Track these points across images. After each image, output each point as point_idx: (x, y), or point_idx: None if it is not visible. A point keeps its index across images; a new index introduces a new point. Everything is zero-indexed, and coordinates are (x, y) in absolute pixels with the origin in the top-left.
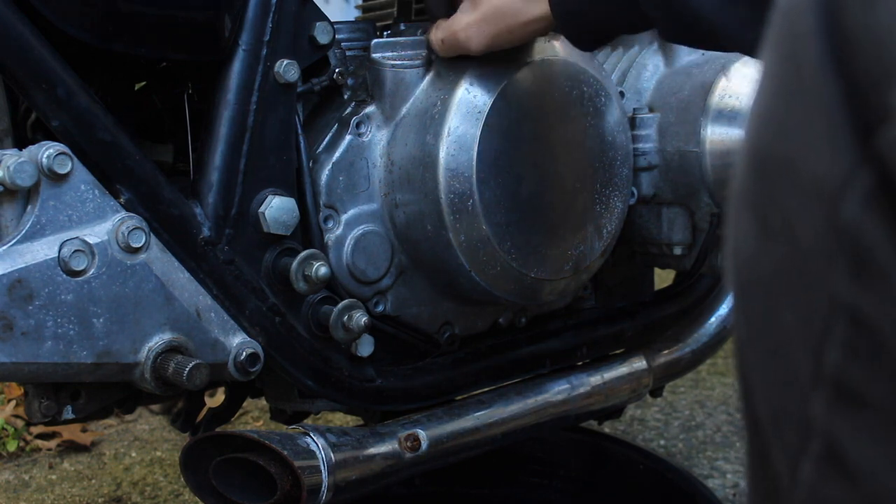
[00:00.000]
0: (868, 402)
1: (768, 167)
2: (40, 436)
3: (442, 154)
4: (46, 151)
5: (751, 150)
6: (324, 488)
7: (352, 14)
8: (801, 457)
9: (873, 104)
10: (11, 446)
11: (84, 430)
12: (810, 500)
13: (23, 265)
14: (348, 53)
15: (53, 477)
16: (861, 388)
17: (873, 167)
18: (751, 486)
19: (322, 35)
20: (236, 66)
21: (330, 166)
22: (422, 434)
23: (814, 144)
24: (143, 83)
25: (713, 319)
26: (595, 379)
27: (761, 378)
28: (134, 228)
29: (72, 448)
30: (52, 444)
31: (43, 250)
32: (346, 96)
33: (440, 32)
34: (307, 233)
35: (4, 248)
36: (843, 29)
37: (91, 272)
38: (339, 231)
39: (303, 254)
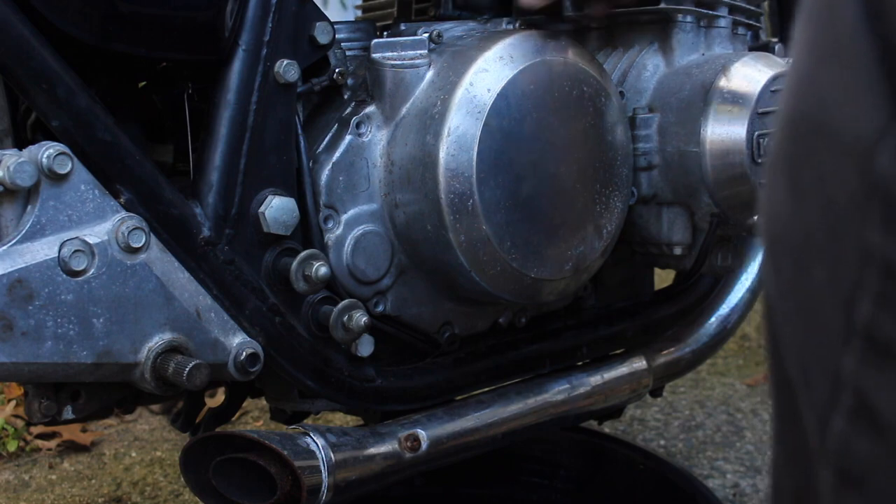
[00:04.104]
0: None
1: (804, 129)
2: (40, 436)
3: (442, 154)
4: (46, 151)
5: (787, 115)
6: (324, 488)
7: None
8: (832, 411)
9: None
10: (12, 446)
11: (84, 430)
12: (840, 454)
13: (23, 265)
14: (348, 53)
15: (53, 477)
16: (891, 339)
17: None
18: (777, 446)
19: (322, 35)
20: (236, 66)
21: (330, 166)
22: (422, 434)
23: (849, 103)
24: (143, 83)
25: (713, 319)
26: (595, 379)
27: (791, 335)
28: (134, 228)
29: (72, 448)
30: (52, 444)
31: (43, 250)
32: (346, 96)
33: None
34: (307, 233)
35: (4, 248)
36: None
37: (91, 272)
38: (339, 231)
39: (303, 254)
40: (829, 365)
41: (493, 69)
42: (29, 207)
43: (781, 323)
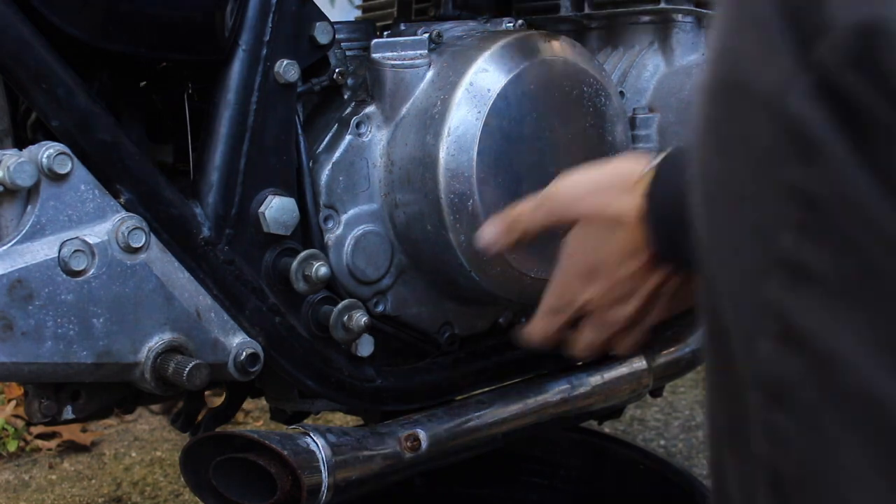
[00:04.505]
0: (815, 277)
1: (725, 92)
2: (40, 436)
3: (442, 154)
4: (46, 151)
5: (710, 82)
6: (324, 488)
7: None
8: (759, 336)
9: (808, 23)
10: (12, 446)
11: (84, 430)
12: (767, 373)
13: (23, 265)
14: (348, 53)
15: (53, 477)
16: (809, 263)
17: (813, 71)
18: (711, 393)
19: (322, 35)
20: (236, 67)
21: (330, 166)
22: (422, 434)
23: (762, 62)
24: (144, 83)
25: None
26: (595, 379)
27: (722, 273)
28: (134, 228)
29: (72, 448)
30: (52, 444)
31: (43, 250)
32: (346, 96)
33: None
34: (307, 233)
35: (4, 248)
36: None
37: (91, 272)
38: (338, 231)
39: (303, 254)
40: (755, 294)
41: (493, 69)
42: (29, 207)
43: (715, 267)
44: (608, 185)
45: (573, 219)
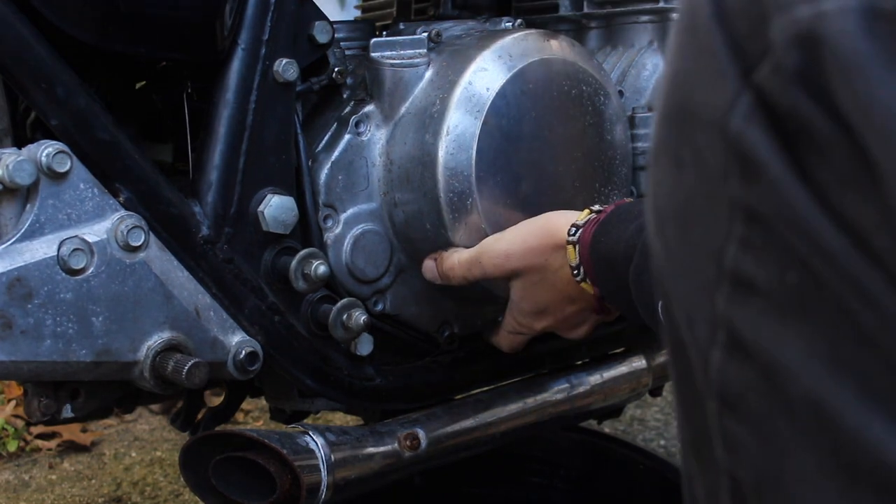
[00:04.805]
0: (757, 288)
1: (677, 115)
2: (40, 436)
3: (441, 153)
4: (45, 150)
5: (663, 107)
6: (323, 487)
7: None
8: (711, 347)
9: (751, 46)
10: (12, 446)
11: (84, 430)
12: (720, 382)
13: (22, 264)
14: (347, 53)
15: (53, 477)
16: (752, 276)
17: (752, 91)
18: (677, 406)
19: (321, 34)
20: (235, 66)
21: (329, 165)
22: (421, 433)
23: (709, 85)
24: (143, 83)
25: None
26: (594, 378)
27: (678, 291)
28: (133, 227)
29: (72, 448)
30: (52, 444)
31: (42, 249)
32: (345, 95)
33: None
34: (306, 232)
35: (4, 246)
36: None
37: (90, 271)
38: (338, 230)
39: (302, 253)
40: (706, 308)
41: (492, 68)
42: (28, 206)
43: (670, 284)
44: (538, 241)
45: (508, 274)
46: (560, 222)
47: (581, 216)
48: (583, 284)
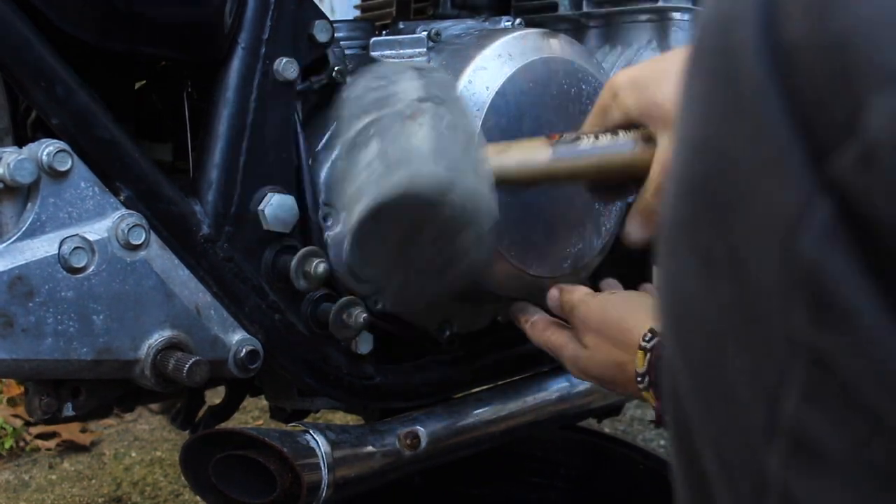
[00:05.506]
0: (827, 455)
1: (709, 195)
2: (40, 436)
3: None
4: (46, 149)
5: (687, 177)
6: (323, 485)
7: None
8: None
9: (827, 124)
10: (8, 444)
11: (84, 430)
12: None
13: (23, 262)
14: (347, 52)
15: (53, 477)
16: (820, 439)
17: (832, 195)
18: None
19: (321, 33)
20: (235, 65)
21: (329, 164)
22: (421, 432)
23: (761, 170)
24: (143, 82)
25: None
26: None
27: (708, 427)
28: (134, 226)
29: (72, 448)
30: (52, 443)
31: (43, 247)
32: None
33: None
34: (306, 230)
35: (5, 245)
36: (787, 40)
37: (91, 269)
38: (338, 228)
39: (302, 251)
40: (752, 464)
41: (492, 67)
42: (29, 205)
43: (694, 412)
44: (614, 331)
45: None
46: (642, 317)
47: None
48: (645, 393)
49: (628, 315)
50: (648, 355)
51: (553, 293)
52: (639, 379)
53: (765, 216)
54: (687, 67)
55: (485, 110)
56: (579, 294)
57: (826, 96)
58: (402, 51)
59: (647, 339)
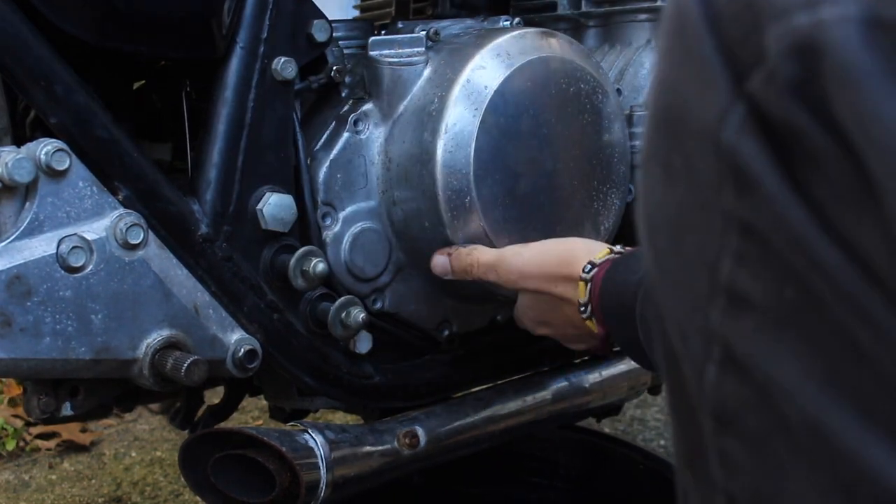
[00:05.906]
0: (753, 304)
1: (667, 122)
2: (40, 436)
3: (439, 151)
4: (45, 148)
5: (653, 112)
6: (322, 485)
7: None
8: (706, 363)
9: (745, 54)
10: (10, 445)
11: (84, 430)
12: (715, 399)
13: (21, 261)
14: (346, 51)
15: (53, 477)
16: (747, 291)
17: (745, 101)
18: (672, 418)
19: (319, 33)
20: (234, 64)
21: (328, 164)
22: (420, 431)
23: (700, 93)
24: (142, 82)
25: None
26: (593, 376)
27: (671, 304)
28: (132, 225)
29: (72, 448)
30: (52, 443)
31: (41, 247)
32: (343, 94)
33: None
34: (305, 230)
35: (3, 244)
36: (717, 2)
37: (89, 268)
38: (336, 228)
39: (301, 251)
40: (700, 322)
41: (491, 66)
42: (27, 204)
43: (663, 296)
44: (554, 269)
45: (520, 290)
46: (579, 254)
47: (601, 253)
48: (588, 322)
49: (566, 254)
50: (589, 285)
51: (442, 258)
52: (581, 308)
53: (703, 123)
54: (659, 33)
55: (483, 109)
56: (497, 251)
57: (742, 35)
58: (400, 50)
59: (586, 270)
